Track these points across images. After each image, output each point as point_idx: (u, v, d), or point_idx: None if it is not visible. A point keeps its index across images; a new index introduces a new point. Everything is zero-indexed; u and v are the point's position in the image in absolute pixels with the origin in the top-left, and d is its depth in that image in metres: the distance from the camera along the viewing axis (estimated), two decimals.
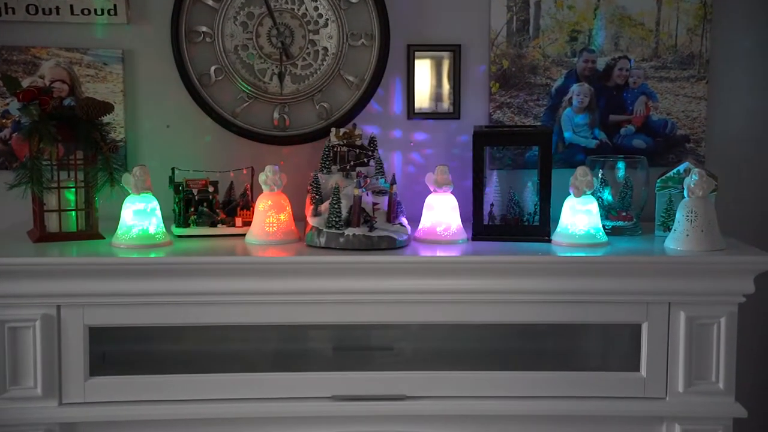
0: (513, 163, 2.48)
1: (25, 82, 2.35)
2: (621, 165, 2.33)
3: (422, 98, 2.50)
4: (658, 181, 2.30)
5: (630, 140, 2.52)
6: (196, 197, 2.28)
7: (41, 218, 2.17)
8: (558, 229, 2.20)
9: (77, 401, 2.06)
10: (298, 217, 2.27)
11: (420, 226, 2.23)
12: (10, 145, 2.41)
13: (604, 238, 2.18)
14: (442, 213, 2.20)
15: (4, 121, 2.42)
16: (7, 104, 2.40)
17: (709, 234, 2.11)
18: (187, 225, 2.26)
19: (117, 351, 2.19)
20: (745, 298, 2.09)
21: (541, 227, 2.23)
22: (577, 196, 2.17)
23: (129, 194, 2.15)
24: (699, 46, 2.50)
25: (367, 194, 2.17)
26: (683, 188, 2.16)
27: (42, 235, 2.17)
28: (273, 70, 2.45)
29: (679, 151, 2.52)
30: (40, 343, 2.03)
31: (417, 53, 2.47)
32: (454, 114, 2.50)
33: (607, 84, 2.51)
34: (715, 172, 2.30)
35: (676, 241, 2.13)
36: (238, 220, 2.28)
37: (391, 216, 2.17)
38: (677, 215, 2.15)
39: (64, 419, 2.06)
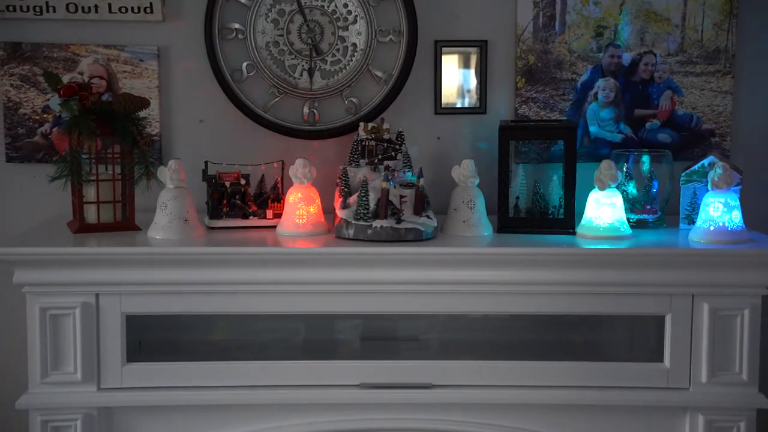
0: (538, 156, 2.51)
1: (65, 79, 2.42)
2: (646, 159, 2.36)
3: (449, 93, 2.54)
4: (683, 174, 2.31)
5: (655, 134, 2.54)
6: (229, 190, 2.33)
7: (81, 210, 2.24)
8: (582, 221, 2.23)
9: (115, 386, 2.13)
10: (327, 210, 2.31)
11: (446, 219, 2.27)
12: (50, 140, 2.49)
13: (629, 231, 2.21)
14: (467, 206, 2.24)
15: (45, 116, 2.50)
16: (48, 100, 2.48)
17: (732, 227, 2.12)
18: (219, 217, 2.32)
19: (152, 338, 2.25)
20: None
21: (566, 220, 2.26)
22: (602, 189, 2.19)
23: (164, 187, 2.21)
24: (725, 41, 2.51)
25: (395, 187, 2.22)
26: (707, 181, 2.18)
27: (81, 226, 2.24)
28: (303, 66, 2.50)
29: (704, 145, 2.54)
30: (80, 330, 2.09)
31: (444, 49, 2.51)
32: (481, 109, 2.54)
33: (632, 79, 2.53)
34: (740, 166, 2.31)
35: (700, 233, 2.15)
36: (269, 212, 2.33)
37: (418, 209, 2.21)
38: (701, 208, 2.17)
39: (102, 403, 2.13)
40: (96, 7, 2.45)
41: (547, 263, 2.11)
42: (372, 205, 2.17)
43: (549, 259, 2.11)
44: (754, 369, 2.12)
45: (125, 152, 2.24)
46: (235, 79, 2.48)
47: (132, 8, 2.45)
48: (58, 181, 2.20)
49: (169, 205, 2.18)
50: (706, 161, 2.29)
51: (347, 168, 2.32)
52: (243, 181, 2.35)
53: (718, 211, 2.14)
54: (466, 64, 2.54)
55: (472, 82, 2.53)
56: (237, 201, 2.33)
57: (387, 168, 2.29)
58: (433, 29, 2.50)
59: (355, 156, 2.36)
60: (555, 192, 2.35)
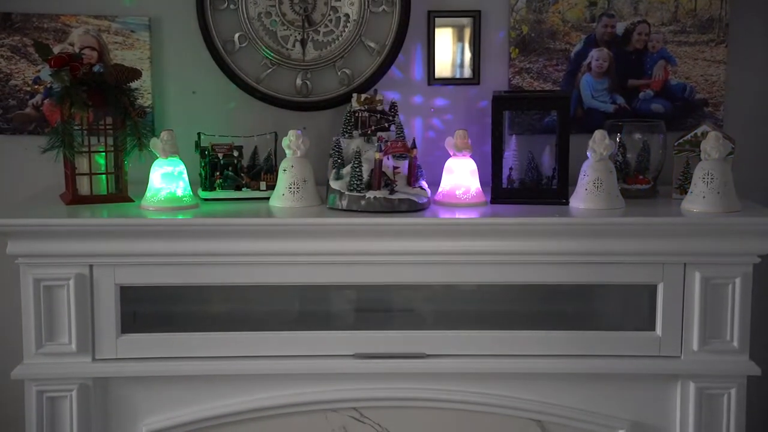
0: (532, 127, 2.51)
1: (56, 49, 2.40)
2: (638, 128, 2.36)
3: (443, 64, 2.53)
4: (675, 144, 2.32)
5: (648, 104, 2.54)
6: (222, 161, 2.33)
7: (73, 181, 2.23)
8: (575, 192, 2.23)
9: (110, 357, 2.14)
10: (321, 181, 2.31)
11: (440, 190, 2.27)
12: (41, 111, 2.48)
13: (621, 201, 2.21)
14: (461, 176, 2.24)
15: (36, 87, 2.48)
16: (39, 71, 2.46)
17: (725, 196, 2.13)
18: (213, 188, 2.31)
19: (147, 309, 2.26)
20: (759, 259, 2.12)
21: (559, 190, 2.26)
22: (595, 159, 2.20)
23: (157, 158, 2.20)
24: (719, 10, 2.50)
25: (388, 158, 2.22)
26: (700, 151, 2.18)
27: (74, 198, 2.23)
28: (295, 36, 2.49)
29: (697, 115, 2.54)
30: (74, 301, 2.10)
31: (437, 19, 2.49)
32: (474, 80, 2.53)
33: (626, 48, 2.52)
34: (733, 136, 2.31)
35: (692, 203, 2.16)
36: (262, 184, 2.33)
37: (412, 179, 2.22)
38: (694, 177, 2.17)
39: (97, 374, 2.14)
40: None
41: (540, 233, 2.12)
42: (365, 176, 2.18)
43: (542, 229, 2.12)
44: (745, 337, 2.14)
45: (117, 123, 2.23)
46: (227, 50, 2.47)
47: None
48: (50, 152, 2.19)
49: (162, 176, 2.17)
50: (698, 130, 2.30)
51: (340, 139, 2.32)
52: (236, 153, 2.35)
53: (710, 180, 2.14)
54: (459, 35, 2.52)
55: (466, 53, 2.52)
56: (230, 172, 2.33)
57: (380, 139, 2.29)
58: None
59: (348, 127, 2.36)
60: (548, 163, 2.35)
